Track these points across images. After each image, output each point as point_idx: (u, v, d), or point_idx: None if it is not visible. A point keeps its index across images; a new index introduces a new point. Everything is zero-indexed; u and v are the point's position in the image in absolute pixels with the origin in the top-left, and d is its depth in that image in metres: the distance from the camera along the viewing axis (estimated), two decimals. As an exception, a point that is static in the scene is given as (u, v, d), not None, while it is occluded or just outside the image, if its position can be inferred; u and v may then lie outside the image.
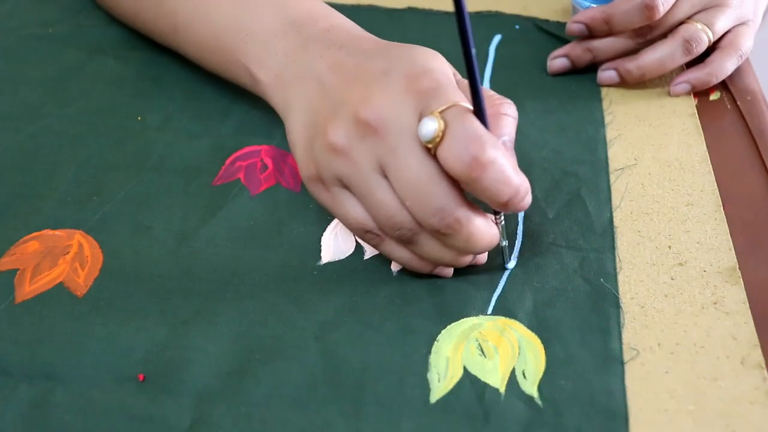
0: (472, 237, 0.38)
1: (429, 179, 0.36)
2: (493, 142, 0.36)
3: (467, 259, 0.41)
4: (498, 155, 0.36)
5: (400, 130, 0.36)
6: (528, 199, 0.38)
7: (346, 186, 0.39)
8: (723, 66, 0.54)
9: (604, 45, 0.55)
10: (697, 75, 0.54)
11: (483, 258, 0.42)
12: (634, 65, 0.54)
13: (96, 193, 0.46)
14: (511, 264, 0.42)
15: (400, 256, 0.40)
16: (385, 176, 0.37)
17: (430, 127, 0.35)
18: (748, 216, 0.45)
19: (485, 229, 0.38)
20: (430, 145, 0.36)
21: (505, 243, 0.41)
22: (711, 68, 0.54)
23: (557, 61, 0.56)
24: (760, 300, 0.40)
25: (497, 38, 0.59)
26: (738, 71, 0.57)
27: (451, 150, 0.35)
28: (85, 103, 0.53)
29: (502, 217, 0.41)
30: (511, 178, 0.36)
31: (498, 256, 0.42)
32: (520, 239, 0.43)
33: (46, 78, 0.55)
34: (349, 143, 0.38)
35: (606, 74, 0.55)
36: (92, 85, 0.55)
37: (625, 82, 0.55)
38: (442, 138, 0.35)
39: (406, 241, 0.39)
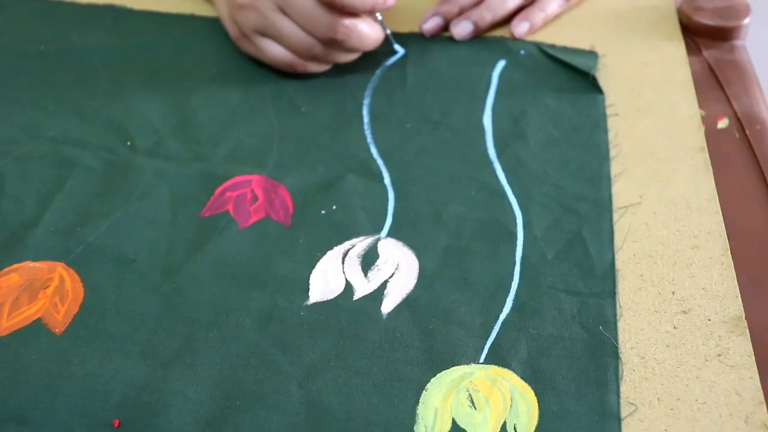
0: (362, 36, 0.51)
1: (313, 5, 0.49)
2: None
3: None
4: None
5: None
6: (390, 1, 0.51)
7: (262, 33, 0.52)
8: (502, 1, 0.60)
9: None
10: (479, 12, 0.59)
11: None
12: (483, 9, 0.59)
13: (80, 223, 0.45)
14: (399, 48, 0.58)
15: (320, 69, 0.54)
16: (286, 14, 0.50)
17: None
18: (753, 252, 0.44)
19: (370, 28, 0.52)
20: None
21: (388, 32, 0.56)
22: (488, 3, 0.60)
23: (430, 21, 0.60)
24: (765, 345, 0.39)
25: (501, 64, 0.57)
26: (748, 97, 0.55)
27: None
28: (74, 124, 0.52)
29: (379, 14, 0.54)
30: None
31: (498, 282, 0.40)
32: (517, 281, 0.42)
33: (36, 98, 0.54)
34: None
35: (460, 26, 0.59)
36: (83, 106, 0.53)
37: (479, 30, 0.60)
38: None
39: (322, 57, 0.53)
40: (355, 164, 0.49)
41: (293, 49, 0.52)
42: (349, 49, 0.53)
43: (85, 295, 0.41)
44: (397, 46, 0.57)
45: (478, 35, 0.60)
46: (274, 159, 0.49)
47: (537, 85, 0.55)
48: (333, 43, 0.51)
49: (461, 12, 0.60)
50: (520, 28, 0.60)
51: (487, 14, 0.59)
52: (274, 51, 0.53)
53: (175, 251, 0.43)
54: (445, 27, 0.60)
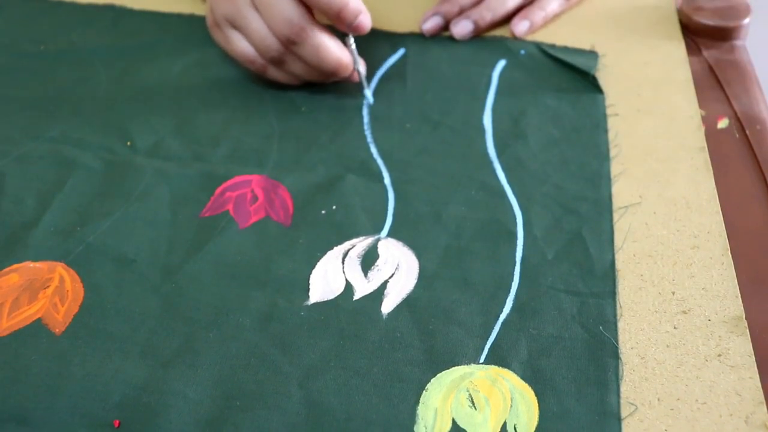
0: (320, 48, 0.50)
1: (282, 1, 0.49)
2: None
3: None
4: None
5: None
6: (362, 20, 0.50)
7: (232, 24, 0.52)
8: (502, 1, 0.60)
9: None
10: (479, 11, 0.60)
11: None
12: (483, 8, 0.60)
13: (80, 223, 0.45)
14: (369, 94, 0.53)
15: (278, 77, 0.53)
16: (257, 10, 0.50)
17: None
18: (753, 252, 0.44)
19: (332, 44, 0.50)
20: None
21: (361, 69, 0.53)
22: (489, 2, 0.60)
23: (431, 21, 0.60)
24: (765, 345, 0.39)
25: (501, 64, 0.57)
26: (748, 97, 0.55)
27: None
28: (74, 125, 0.52)
29: (352, 41, 0.52)
30: None
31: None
32: (517, 281, 0.42)
33: (36, 98, 0.54)
34: None
35: (460, 25, 0.59)
36: (82, 107, 0.53)
37: (479, 29, 0.60)
38: None
39: (279, 62, 0.51)
40: (355, 164, 0.49)
41: (255, 45, 0.51)
42: (305, 59, 0.50)
43: (85, 295, 0.41)
44: (366, 91, 0.54)
45: (478, 35, 0.60)
46: (274, 159, 0.49)
47: (537, 85, 0.55)
48: (290, 44, 0.50)
49: (461, 11, 0.60)
50: (520, 27, 0.60)
51: (487, 13, 0.59)
52: (240, 45, 0.52)
53: (175, 251, 0.43)
54: (445, 27, 0.60)
